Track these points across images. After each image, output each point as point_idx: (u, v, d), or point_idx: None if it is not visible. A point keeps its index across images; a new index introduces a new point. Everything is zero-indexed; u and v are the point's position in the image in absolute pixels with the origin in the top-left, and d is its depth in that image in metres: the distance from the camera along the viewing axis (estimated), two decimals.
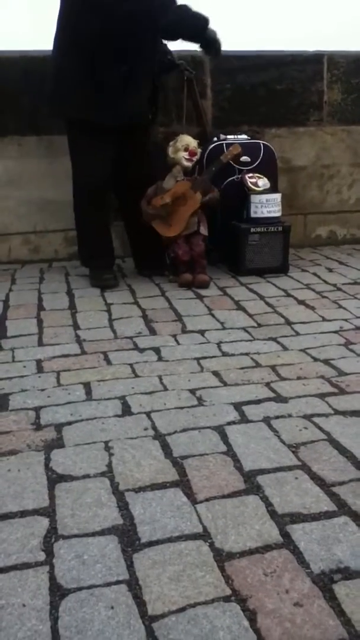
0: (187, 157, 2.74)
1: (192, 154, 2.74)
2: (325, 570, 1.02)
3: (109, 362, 1.91)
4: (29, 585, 1.00)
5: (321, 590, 0.98)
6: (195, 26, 2.62)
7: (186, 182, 2.74)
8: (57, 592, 0.98)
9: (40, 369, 1.86)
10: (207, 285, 2.69)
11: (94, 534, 1.11)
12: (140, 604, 0.95)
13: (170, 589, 0.98)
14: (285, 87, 3.38)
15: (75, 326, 2.24)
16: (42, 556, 1.06)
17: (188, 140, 2.77)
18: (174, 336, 2.13)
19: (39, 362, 1.91)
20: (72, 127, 2.68)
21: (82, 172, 2.70)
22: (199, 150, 2.81)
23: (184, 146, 2.74)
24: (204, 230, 2.78)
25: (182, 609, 0.94)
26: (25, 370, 1.85)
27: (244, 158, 3.01)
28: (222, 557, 1.05)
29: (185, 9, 2.56)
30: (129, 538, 1.10)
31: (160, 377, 1.79)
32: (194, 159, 2.77)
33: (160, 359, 1.93)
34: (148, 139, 2.83)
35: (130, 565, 1.03)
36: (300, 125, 3.46)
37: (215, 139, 3.06)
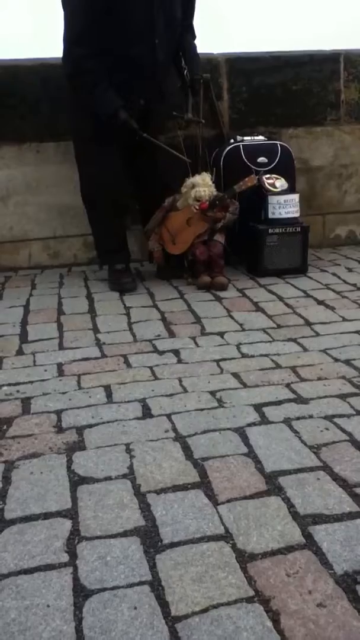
0: (196, 209, 2.68)
1: (202, 207, 2.67)
2: (348, 571, 1.01)
3: (129, 365, 1.92)
4: (53, 586, 1.01)
5: (345, 591, 0.97)
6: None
7: (192, 210, 2.70)
8: (81, 593, 0.99)
9: (61, 372, 1.88)
10: (226, 287, 2.69)
11: (116, 536, 1.12)
12: (163, 604, 0.96)
13: (193, 590, 0.98)
14: (302, 87, 3.37)
15: (95, 330, 2.26)
16: (65, 557, 1.07)
17: (202, 193, 2.66)
18: (193, 338, 2.13)
19: (59, 366, 1.92)
20: (84, 123, 2.66)
21: (93, 177, 2.70)
22: (212, 196, 2.69)
23: (196, 198, 2.67)
24: (220, 238, 2.77)
25: (205, 610, 0.94)
26: (46, 373, 1.87)
27: (261, 159, 3.01)
28: (244, 558, 1.05)
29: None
30: (151, 539, 1.10)
31: (180, 380, 1.79)
32: (204, 210, 2.69)
33: (179, 361, 1.94)
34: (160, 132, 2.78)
35: (152, 567, 1.04)
36: (318, 125, 3.44)
37: (232, 140, 3.06)
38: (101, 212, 2.80)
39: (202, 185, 2.69)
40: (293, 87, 3.36)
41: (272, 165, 3.02)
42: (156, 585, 1.00)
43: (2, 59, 3.08)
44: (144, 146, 2.65)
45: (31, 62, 3.11)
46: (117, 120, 2.50)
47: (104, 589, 0.99)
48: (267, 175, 2.92)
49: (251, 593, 0.97)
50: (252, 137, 3.10)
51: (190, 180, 2.72)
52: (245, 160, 2.99)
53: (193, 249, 2.76)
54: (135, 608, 0.95)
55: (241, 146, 3.01)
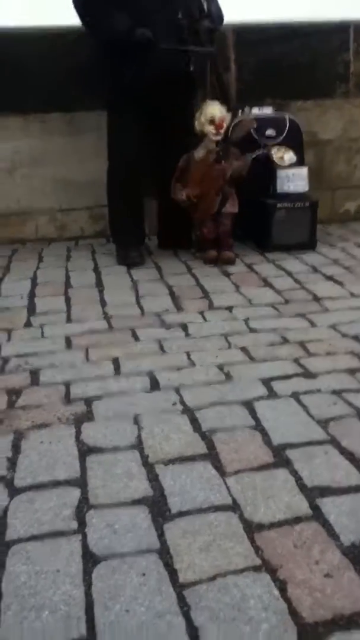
0: (213, 131, 2.63)
1: (218, 127, 2.63)
2: (355, 543, 1.02)
3: (136, 339, 1.91)
4: (63, 552, 1.02)
5: (351, 562, 0.98)
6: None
7: (206, 163, 2.64)
8: (90, 560, 1.00)
9: (69, 344, 1.88)
10: (233, 262, 2.67)
11: (125, 505, 1.13)
12: (172, 572, 0.97)
13: (201, 558, 1.00)
14: (310, 58, 3.29)
15: (103, 303, 2.26)
16: (74, 525, 1.08)
17: (212, 112, 2.62)
18: (201, 313, 2.12)
19: (67, 338, 1.93)
20: (111, 100, 2.64)
21: (120, 146, 2.67)
22: (227, 117, 2.65)
23: (209, 119, 2.62)
24: (231, 208, 2.73)
25: (212, 578, 0.95)
26: (54, 346, 1.87)
27: (269, 132, 2.95)
28: (251, 528, 1.06)
29: None
30: (159, 509, 1.11)
31: (187, 353, 1.79)
32: (222, 130, 2.65)
33: (187, 335, 1.93)
34: (187, 106, 2.71)
35: (160, 535, 1.05)
36: (327, 97, 3.37)
37: (240, 112, 3.00)
38: (122, 189, 2.74)
39: (210, 107, 2.64)
40: (301, 58, 3.28)
41: (280, 138, 2.96)
42: (164, 553, 1.01)
43: (5, 27, 3.00)
44: (170, 113, 2.62)
45: (34, 30, 3.04)
46: (135, 37, 2.45)
47: (113, 556, 1.01)
48: (276, 149, 2.88)
49: (258, 562, 0.99)
50: (260, 109, 3.04)
51: (202, 107, 2.66)
52: (252, 132, 2.93)
53: (201, 226, 2.73)
54: (144, 574, 0.96)
55: (251, 117, 2.95)
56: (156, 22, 2.48)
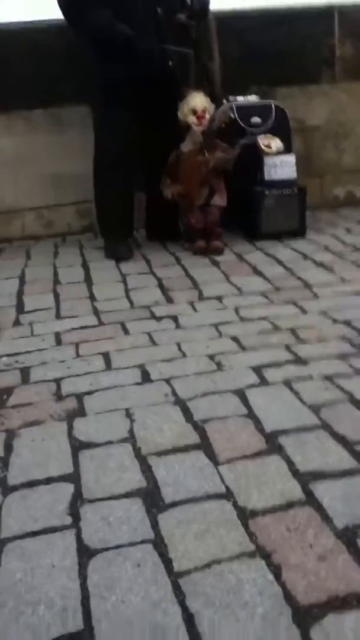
0: (196, 122, 2.63)
1: (200, 117, 2.63)
2: (349, 526, 1.02)
3: (126, 332, 1.91)
4: (57, 547, 1.02)
5: (345, 545, 0.98)
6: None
7: (194, 154, 2.64)
8: (85, 553, 1.00)
9: (59, 341, 1.88)
10: (222, 251, 2.67)
11: (118, 497, 1.13)
12: (166, 561, 0.97)
13: (196, 546, 1.00)
14: (295, 44, 3.27)
15: (92, 298, 2.25)
16: (68, 520, 1.08)
17: (194, 104, 2.62)
18: (191, 304, 2.12)
19: (57, 335, 1.92)
20: (98, 92, 2.63)
21: (107, 139, 2.65)
22: (209, 108, 2.66)
23: (191, 110, 2.62)
24: (220, 201, 2.72)
25: (207, 565, 0.96)
26: (44, 343, 1.87)
27: (255, 119, 2.94)
28: (245, 515, 1.06)
29: None
30: (153, 499, 1.11)
31: (178, 345, 1.79)
32: (204, 121, 2.66)
33: (178, 326, 1.93)
34: (173, 99, 2.70)
35: (155, 525, 1.05)
36: (313, 83, 3.36)
37: (224, 101, 2.99)
38: (110, 182, 2.72)
39: (193, 98, 2.64)
40: (285, 45, 3.26)
41: (267, 126, 2.95)
42: (159, 543, 1.01)
43: None
44: (156, 106, 2.61)
45: (16, 26, 3.02)
46: (114, 33, 2.45)
47: (108, 548, 1.01)
48: (262, 136, 2.87)
49: (252, 548, 0.99)
50: (245, 97, 3.03)
51: (185, 98, 2.65)
52: (239, 120, 2.92)
53: (190, 216, 2.72)
54: (139, 565, 0.97)
55: (234, 107, 2.94)
56: (137, 17, 2.46)
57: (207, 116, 2.65)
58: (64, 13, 2.56)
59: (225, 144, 2.70)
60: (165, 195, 2.69)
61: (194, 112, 2.62)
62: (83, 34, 2.58)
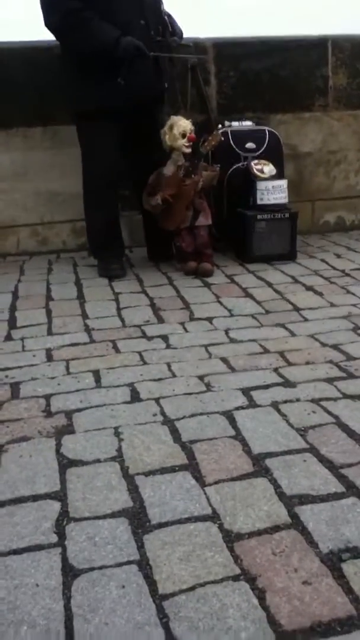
0: (186, 144, 2.66)
1: (191, 139, 2.65)
2: (333, 550, 1.03)
3: (117, 350, 1.92)
4: (42, 566, 1.02)
5: (330, 569, 0.99)
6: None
7: (177, 177, 2.67)
8: (70, 573, 1.00)
9: (49, 357, 1.88)
10: (211, 273, 2.69)
11: (104, 517, 1.13)
12: (151, 583, 0.97)
13: (180, 568, 1.00)
14: (290, 72, 3.35)
15: (84, 315, 2.26)
16: (54, 538, 1.08)
17: (184, 126, 2.65)
18: (182, 324, 2.14)
19: (48, 351, 1.92)
20: (82, 115, 2.65)
21: (94, 160, 2.68)
22: (192, 130, 2.68)
23: (181, 133, 2.65)
24: (205, 220, 2.76)
25: (192, 588, 0.96)
26: (35, 359, 1.87)
27: (249, 145, 3.00)
28: (231, 538, 1.06)
29: None
30: (139, 520, 1.12)
31: (168, 364, 1.80)
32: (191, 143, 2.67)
33: (168, 346, 1.94)
34: (158, 120, 2.76)
35: (140, 546, 1.05)
36: (306, 110, 3.43)
37: (220, 126, 3.05)
38: (99, 198, 2.74)
39: (181, 121, 2.67)
40: (281, 73, 3.34)
41: (261, 150, 3.02)
42: (144, 565, 1.01)
43: None
44: (141, 127, 2.65)
45: (17, 45, 3.07)
46: (120, 47, 2.43)
47: (93, 569, 1.00)
48: (256, 161, 2.92)
49: (237, 571, 0.99)
50: (240, 123, 3.09)
51: (168, 123, 2.68)
52: (233, 145, 2.98)
53: (179, 239, 2.75)
54: (123, 587, 0.96)
55: (229, 132, 3.00)
56: (133, 36, 2.49)
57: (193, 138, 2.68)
58: (58, 30, 2.48)
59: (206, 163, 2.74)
60: (151, 204, 2.69)
61: (184, 135, 2.66)
62: (82, 49, 2.49)
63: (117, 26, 2.45)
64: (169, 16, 2.73)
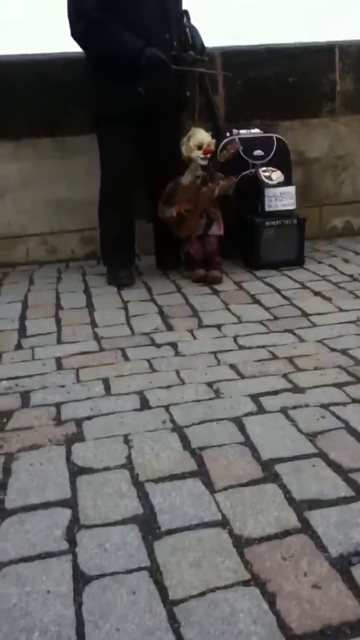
0: (202, 156, 2.68)
1: (206, 152, 2.68)
2: (343, 554, 1.03)
3: (126, 358, 1.93)
4: (53, 573, 1.03)
5: (339, 573, 0.99)
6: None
7: (194, 187, 2.69)
8: (81, 579, 1.01)
9: (59, 366, 1.90)
10: (220, 281, 2.70)
11: (115, 524, 1.14)
12: (162, 589, 0.98)
13: (191, 574, 1.00)
14: (297, 79, 3.36)
15: (93, 324, 2.28)
16: (65, 545, 1.09)
17: (201, 138, 2.69)
18: (191, 331, 2.14)
19: (58, 360, 1.94)
20: (102, 117, 2.67)
21: (111, 162, 2.70)
22: (213, 143, 2.73)
23: (197, 145, 2.68)
24: (216, 231, 2.78)
25: (202, 594, 0.96)
26: (45, 367, 1.89)
27: (257, 152, 3.02)
28: (241, 543, 1.07)
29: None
30: (149, 527, 1.12)
31: (177, 372, 1.81)
32: (209, 155, 2.71)
33: (177, 353, 1.95)
34: (178, 126, 2.78)
35: (151, 553, 1.06)
36: (313, 116, 3.44)
37: (228, 134, 3.07)
38: (114, 200, 2.76)
39: (198, 133, 2.70)
40: (288, 79, 3.36)
41: (268, 158, 3.03)
42: (154, 571, 1.02)
43: None
44: (158, 135, 2.68)
45: (27, 57, 3.11)
46: (144, 56, 2.46)
47: (103, 575, 1.01)
48: (264, 168, 2.93)
49: (247, 576, 0.99)
50: (248, 130, 3.11)
51: (188, 134, 2.71)
52: (241, 153, 3.00)
53: (188, 246, 2.77)
54: (134, 593, 0.97)
55: (236, 139, 3.01)
56: (158, 49, 2.51)
57: (212, 150, 2.71)
58: (81, 37, 2.52)
59: (223, 174, 2.76)
60: (166, 215, 2.72)
61: (200, 147, 2.68)
62: (108, 56, 2.51)
63: (143, 39, 2.49)
64: (192, 29, 2.76)
